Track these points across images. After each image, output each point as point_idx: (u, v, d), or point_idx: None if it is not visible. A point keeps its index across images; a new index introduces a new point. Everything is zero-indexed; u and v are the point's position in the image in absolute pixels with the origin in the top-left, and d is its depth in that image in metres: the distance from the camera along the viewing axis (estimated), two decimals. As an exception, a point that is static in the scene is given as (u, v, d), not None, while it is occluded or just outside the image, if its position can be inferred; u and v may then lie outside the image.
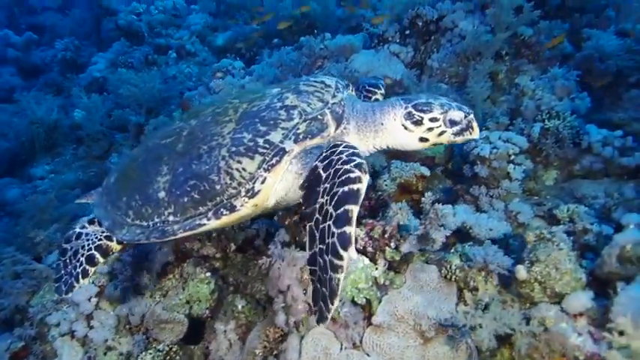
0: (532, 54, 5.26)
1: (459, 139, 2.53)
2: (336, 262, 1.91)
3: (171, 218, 2.44)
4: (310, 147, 2.41)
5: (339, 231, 1.94)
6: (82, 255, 2.87)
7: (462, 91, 5.05)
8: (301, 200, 2.34)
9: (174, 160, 2.49)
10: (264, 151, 2.32)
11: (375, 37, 6.15)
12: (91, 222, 3.00)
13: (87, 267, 2.86)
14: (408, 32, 5.90)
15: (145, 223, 2.53)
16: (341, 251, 1.91)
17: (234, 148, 2.34)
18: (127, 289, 3.64)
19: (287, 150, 2.31)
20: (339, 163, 2.17)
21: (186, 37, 11.52)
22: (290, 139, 2.32)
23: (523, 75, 5.06)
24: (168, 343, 3.44)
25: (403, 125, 2.52)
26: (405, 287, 3.01)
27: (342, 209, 1.97)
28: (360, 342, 2.83)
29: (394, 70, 5.57)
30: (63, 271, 2.92)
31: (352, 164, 2.12)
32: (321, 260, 2.02)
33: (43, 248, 4.22)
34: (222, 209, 2.35)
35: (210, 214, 2.37)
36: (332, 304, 1.90)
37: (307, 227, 2.16)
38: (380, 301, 2.90)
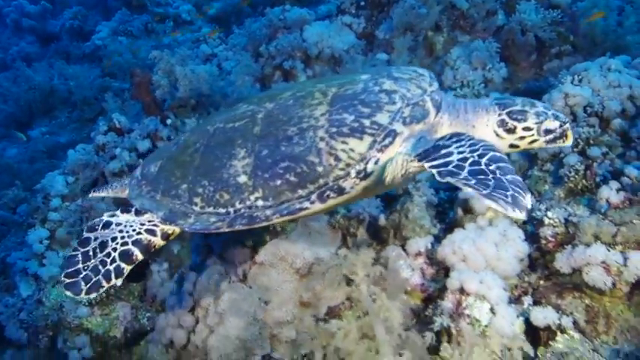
0: (468, 25, 5.50)
1: (551, 146, 2.45)
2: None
3: (260, 203, 2.28)
4: (416, 132, 2.31)
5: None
6: (115, 250, 2.45)
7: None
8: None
9: (254, 143, 2.35)
10: (374, 132, 2.22)
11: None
12: (123, 210, 2.61)
13: (121, 264, 2.42)
14: (363, 3, 6.16)
15: (222, 210, 2.35)
16: None
17: (334, 129, 2.24)
18: (74, 233, 4.24)
19: (398, 132, 2.22)
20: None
21: (183, 6, 11.89)
22: (398, 121, 2.23)
23: (459, 46, 5.32)
24: (105, 278, 4.03)
25: (495, 132, 2.38)
26: (294, 233, 3.50)
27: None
28: (245, 277, 3.36)
29: (344, 40, 5.87)
30: (81, 265, 2.44)
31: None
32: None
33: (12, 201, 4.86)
34: (328, 192, 2.21)
35: (313, 197, 2.22)
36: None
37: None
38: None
